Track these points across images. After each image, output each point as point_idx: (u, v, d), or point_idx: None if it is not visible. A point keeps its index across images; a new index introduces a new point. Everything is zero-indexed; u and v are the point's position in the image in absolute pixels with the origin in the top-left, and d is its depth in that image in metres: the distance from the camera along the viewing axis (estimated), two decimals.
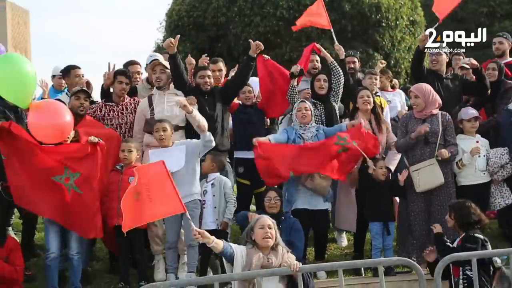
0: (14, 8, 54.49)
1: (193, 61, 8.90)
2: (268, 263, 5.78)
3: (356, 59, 9.78)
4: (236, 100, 8.87)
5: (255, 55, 8.42)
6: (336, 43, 9.20)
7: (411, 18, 20.93)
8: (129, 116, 8.22)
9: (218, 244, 5.80)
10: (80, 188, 7.15)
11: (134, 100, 8.41)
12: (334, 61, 8.79)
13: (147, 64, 9.02)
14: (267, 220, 6.02)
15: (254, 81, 9.08)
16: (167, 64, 8.27)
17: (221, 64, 9.02)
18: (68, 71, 8.78)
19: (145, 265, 7.53)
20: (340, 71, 8.67)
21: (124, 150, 7.44)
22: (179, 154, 7.36)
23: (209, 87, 8.30)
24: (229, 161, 8.35)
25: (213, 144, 7.49)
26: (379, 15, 20.01)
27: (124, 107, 8.26)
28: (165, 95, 8.09)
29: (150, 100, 8.10)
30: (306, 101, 8.19)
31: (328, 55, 8.96)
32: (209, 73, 8.41)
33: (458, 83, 8.60)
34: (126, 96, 8.36)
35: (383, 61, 11.24)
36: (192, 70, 8.73)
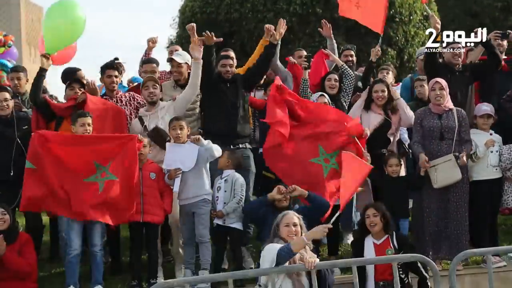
0: (28, 5, 54.76)
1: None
2: (303, 257, 5.86)
3: (353, 53, 9.94)
4: (262, 96, 8.97)
5: (276, 42, 8.35)
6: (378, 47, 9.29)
7: (425, 13, 20.82)
8: (124, 108, 8.18)
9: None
10: (115, 174, 7.14)
11: (129, 93, 8.45)
12: (344, 64, 8.96)
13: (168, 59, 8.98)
14: (293, 217, 6.15)
15: None
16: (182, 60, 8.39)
17: (232, 53, 9.04)
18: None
19: (157, 262, 7.51)
20: (351, 73, 8.82)
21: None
22: (191, 154, 7.36)
23: (230, 75, 8.28)
24: (249, 147, 8.31)
25: (218, 156, 7.50)
26: (393, 10, 19.91)
27: (118, 99, 8.24)
28: (157, 111, 7.95)
29: (141, 120, 7.98)
30: (325, 95, 8.20)
31: (337, 59, 9.07)
32: (230, 61, 8.41)
33: (468, 73, 8.54)
34: (118, 90, 8.38)
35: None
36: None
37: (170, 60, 8.69)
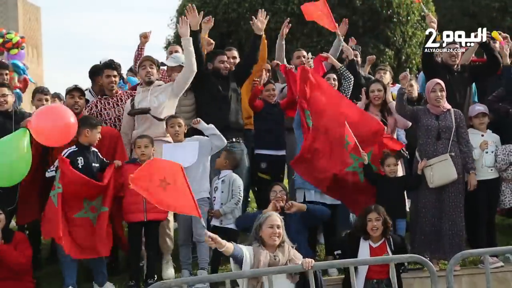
0: (26, 4, 54.70)
1: (212, 41, 8.87)
2: (275, 261, 5.89)
3: (358, 53, 9.97)
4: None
5: (261, 33, 8.51)
6: (343, 43, 9.31)
7: (422, 13, 20.86)
8: (124, 106, 8.16)
9: (229, 248, 5.84)
10: (105, 206, 7.19)
11: (128, 92, 8.44)
12: (343, 66, 9.01)
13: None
14: (277, 219, 6.14)
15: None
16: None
17: (235, 52, 9.11)
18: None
19: (155, 262, 7.50)
20: (350, 75, 8.86)
21: (140, 146, 7.40)
22: (192, 150, 7.39)
23: (227, 71, 8.39)
24: (239, 140, 8.29)
25: (223, 145, 7.53)
26: (390, 11, 20.00)
27: (118, 99, 8.23)
28: (150, 89, 7.95)
29: (133, 99, 8.02)
30: None
31: (336, 61, 9.14)
32: (225, 57, 8.49)
33: (467, 74, 8.56)
34: (118, 89, 8.36)
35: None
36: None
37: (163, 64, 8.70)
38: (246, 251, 5.90)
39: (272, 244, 5.99)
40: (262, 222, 6.12)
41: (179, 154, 7.37)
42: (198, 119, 7.54)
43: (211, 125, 7.50)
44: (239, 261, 5.85)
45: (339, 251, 7.70)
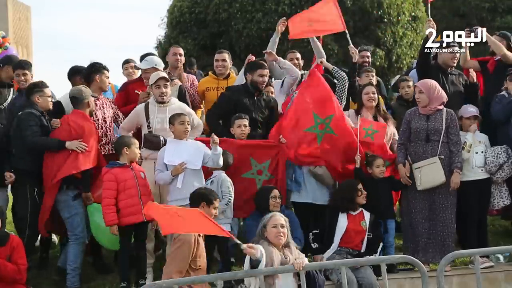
0: (16, 4, 54.44)
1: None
2: (286, 260, 5.97)
3: (369, 54, 10.21)
4: None
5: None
6: (351, 45, 9.30)
7: (413, 14, 20.94)
8: (109, 110, 8.20)
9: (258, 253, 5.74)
10: None
11: (111, 100, 8.47)
12: (335, 67, 9.00)
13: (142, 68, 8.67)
14: (280, 219, 6.22)
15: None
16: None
17: (226, 55, 9.06)
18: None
19: (145, 262, 7.45)
20: (344, 75, 8.83)
21: (137, 148, 7.44)
22: (197, 152, 7.32)
23: (264, 86, 8.30)
24: None
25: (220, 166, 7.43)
26: (381, 11, 20.02)
27: (103, 101, 8.22)
28: (167, 107, 7.85)
29: (147, 111, 7.88)
30: None
31: (328, 64, 9.21)
32: (267, 72, 8.38)
33: (462, 80, 8.61)
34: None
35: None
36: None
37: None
38: (262, 251, 5.82)
39: (278, 244, 6.06)
40: (266, 223, 6.20)
41: (183, 153, 7.32)
42: (217, 141, 7.28)
43: (219, 152, 7.30)
44: (257, 264, 5.69)
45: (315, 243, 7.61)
